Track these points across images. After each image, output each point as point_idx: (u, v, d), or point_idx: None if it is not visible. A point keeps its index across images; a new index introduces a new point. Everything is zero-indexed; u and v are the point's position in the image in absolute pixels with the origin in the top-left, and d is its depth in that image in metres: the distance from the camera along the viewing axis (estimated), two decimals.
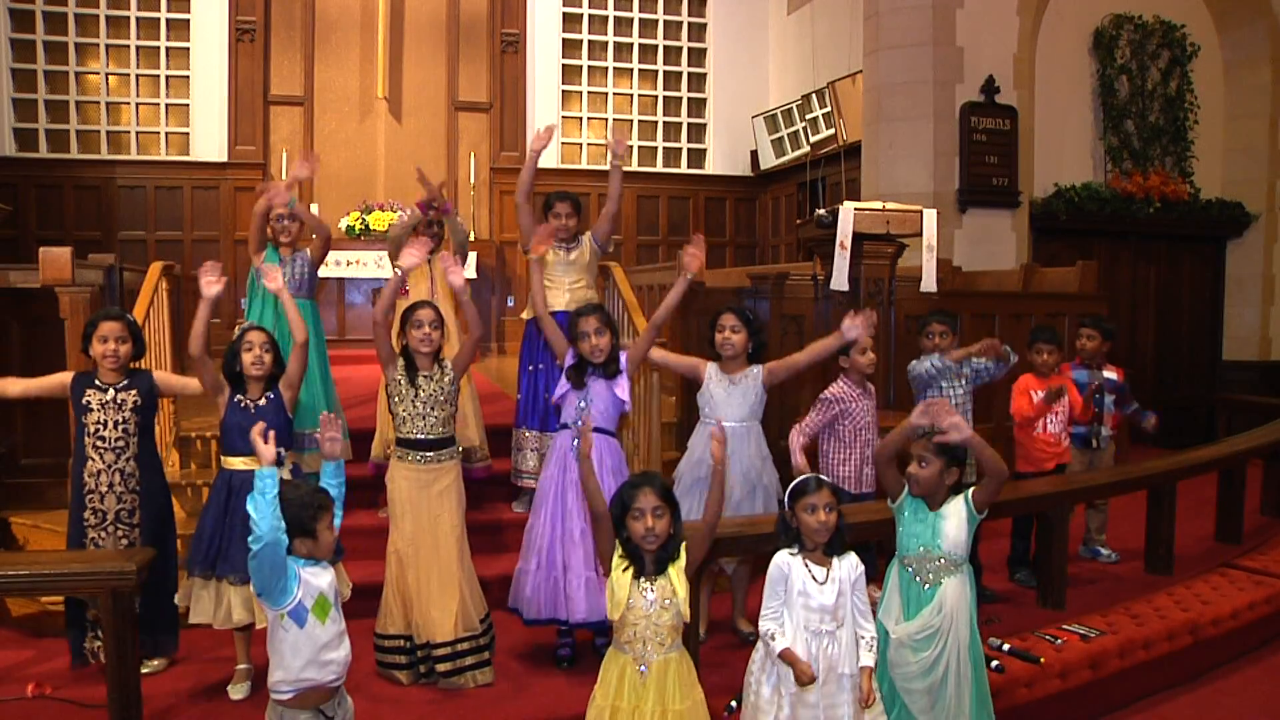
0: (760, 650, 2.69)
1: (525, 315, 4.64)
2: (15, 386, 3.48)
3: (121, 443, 3.43)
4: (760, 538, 3.24)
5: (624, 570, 2.55)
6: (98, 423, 3.39)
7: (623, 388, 3.56)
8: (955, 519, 2.85)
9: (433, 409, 3.43)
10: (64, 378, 3.46)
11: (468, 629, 3.40)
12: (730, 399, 3.75)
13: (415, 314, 3.46)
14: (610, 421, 3.58)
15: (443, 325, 3.51)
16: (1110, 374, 4.99)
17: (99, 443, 3.40)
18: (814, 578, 2.61)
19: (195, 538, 3.35)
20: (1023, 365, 4.72)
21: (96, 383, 3.42)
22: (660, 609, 2.51)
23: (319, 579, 2.50)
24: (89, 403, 3.39)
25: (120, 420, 3.41)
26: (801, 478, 2.68)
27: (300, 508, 2.45)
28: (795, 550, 2.65)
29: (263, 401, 3.38)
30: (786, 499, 2.68)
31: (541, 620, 3.49)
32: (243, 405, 3.36)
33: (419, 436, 3.43)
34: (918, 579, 2.82)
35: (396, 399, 3.45)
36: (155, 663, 3.52)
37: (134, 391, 3.44)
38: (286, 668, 2.45)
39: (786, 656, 2.55)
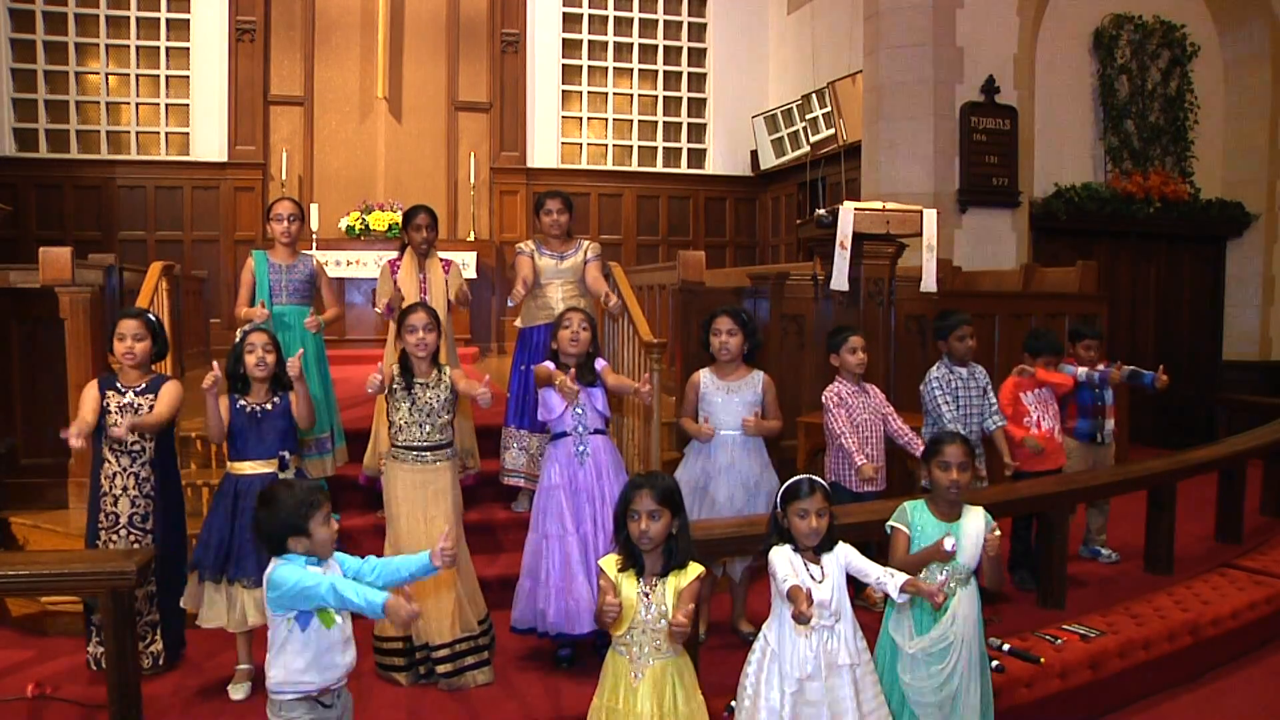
0: (756, 651, 2.68)
1: (518, 324, 4.68)
2: (89, 416, 3.34)
3: (137, 447, 3.42)
4: (759, 538, 3.23)
5: (620, 570, 2.55)
6: (114, 425, 3.38)
7: (601, 400, 3.58)
8: (974, 532, 2.84)
9: (429, 417, 3.42)
10: (91, 389, 3.43)
11: (465, 629, 3.40)
12: (729, 405, 3.74)
13: (408, 319, 3.45)
14: (602, 423, 3.60)
15: (438, 327, 3.50)
16: (1102, 367, 4.99)
17: (116, 445, 3.40)
18: (811, 576, 2.60)
19: (202, 542, 3.34)
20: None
21: (117, 385, 3.43)
22: (658, 615, 2.50)
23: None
24: (108, 405, 3.38)
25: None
26: (794, 479, 2.65)
27: (293, 507, 2.41)
28: (792, 548, 2.63)
29: (269, 406, 3.36)
30: (779, 500, 2.66)
31: (563, 635, 3.47)
32: (248, 410, 3.34)
33: (415, 444, 3.43)
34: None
35: (393, 407, 3.45)
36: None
37: (151, 397, 3.43)
38: (287, 668, 2.41)
39: (793, 592, 2.47)
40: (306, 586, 2.32)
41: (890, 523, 2.89)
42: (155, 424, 3.39)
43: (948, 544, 2.70)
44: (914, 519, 2.87)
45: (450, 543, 2.42)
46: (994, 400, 4.38)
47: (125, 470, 3.41)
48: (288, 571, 2.36)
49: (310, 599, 2.33)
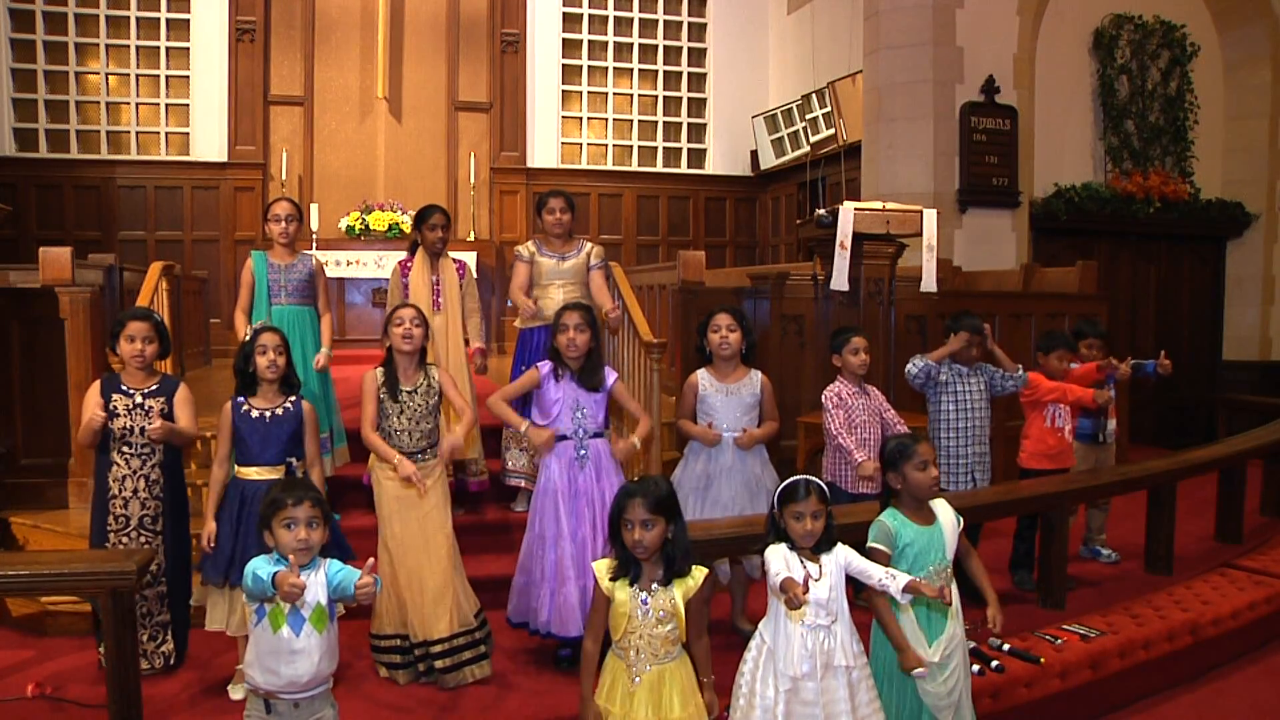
0: (752, 649, 2.67)
1: (518, 325, 4.67)
2: (85, 430, 3.35)
3: (147, 449, 3.41)
4: (759, 538, 3.23)
5: (612, 579, 2.53)
6: (124, 428, 3.38)
7: (604, 406, 3.55)
8: (951, 527, 2.84)
9: (417, 423, 3.43)
10: (94, 392, 3.41)
11: (463, 624, 3.40)
12: (729, 406, 3.73)
13: (396, 313, 3.46)
14: (602, 425, 3.58)
15: (425, 324, 3.50)
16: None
17: (125, 448, 3.39)
18: (809, 575, 2.58)
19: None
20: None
21: (123, 387, 3.40)
22: (657, 621, 2.49)
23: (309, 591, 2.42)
24: (115, 407, 3.37)
25: (146, 426, 3.38)
26: (791, 480, 2.62)
27: (266, 503, 2.49)
28: (789, 546, 2.62)
29: (280, 411, 3.33)
30: (775, 500, 2.64)
31: (553, 635, 3.46)
32: (254, 414, 3.31)
33: (404, 449, 3.42)
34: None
35: (384, 413, 3.44)
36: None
37: (161, 399, 3.43)
38: (247, 658, 2.50)
39: (786, 583, 2.44)
40: (249, 575, 2.39)
41: (872, 544, 2.80)
42: (189, 438, 3.44)
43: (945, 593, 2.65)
44: (900, 533, 2.79)
45: (370, 578, 2.37)
46: (1005, 379, 4.38)
47: (135, 472, 3.41)
48: (252, 562, 2.41)
49: (244, 585, 2.41)
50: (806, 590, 2.43)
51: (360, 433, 3.48)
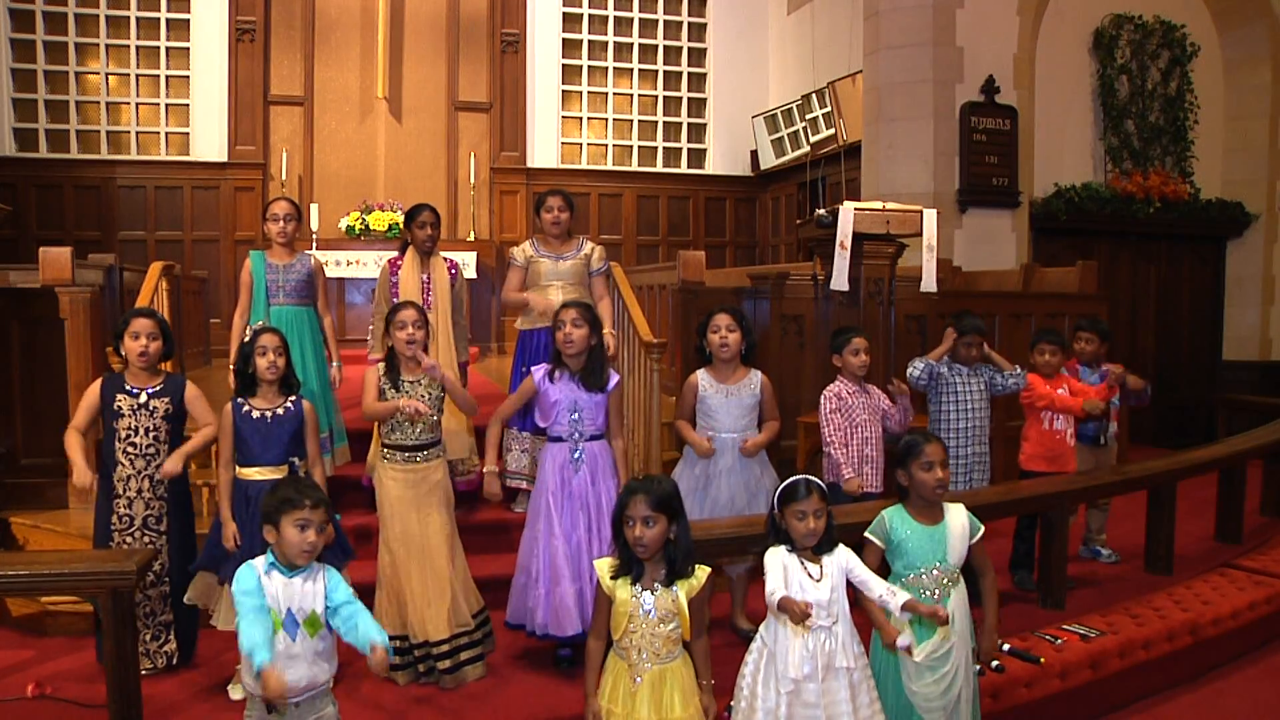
0: (753, 652, 2.67)
1: (519, 326, 4.66)
2: (80, 426, 3.37)
3: (152, 450, 3.41)
4: (759, 538, 3.22)
5: (613, 577, 2.53)
6: (129, 428, 3.38)
7: (603, 409, 3.53)
8: (959, 531, 2.83)
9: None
10: (93, 392, 3.41)
11: (461, 625, 3.41)
12: (728, 408, 3.73)
13: (398, 315, 3.46)
14: (600, 427, 3.56)
15: (427, 324, 3.52)
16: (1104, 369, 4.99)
17: (130, 448, 3.39)
18: (809, 575, 2.58)
19: (211, 542, 3.32)
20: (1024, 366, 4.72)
21: (127, 387, 3.40)
22: (659, 620, 2.49)
23: (298, 598, 2.40)
24: (120, 408, 3.37)
25: (151, 426, 3.39)
26: (790, 480, 2.62)
27: (275, 501, 2.44)
28: (789, 548, 2.62)
29: (280, 411, 3.33)
30: (776, 501, 2.64)
31: (549, 635, 3.45)
32: (255, 415, 3.31)
33: (405, 442, 3.43)
34: (927, 597, 2.75)
35: None
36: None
37: (166, 399, 3.43)
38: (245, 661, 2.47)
39: (784, 603, 2.46)
40: (237, 600, 2.35)
41: (867, 534, 2.82)
42: (210, 439, 3.46)
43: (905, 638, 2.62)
44: (895, 528, 2.80)
45: (381, 655, 2.31)
46: (1005, 378, 4.41)
47: (140, 473, 3.41)
48: (242, 578, 2.38)
49: (236, 611, 2.36)
50: (808, 605, 2.43)
51: (361, 413, 3.48)
